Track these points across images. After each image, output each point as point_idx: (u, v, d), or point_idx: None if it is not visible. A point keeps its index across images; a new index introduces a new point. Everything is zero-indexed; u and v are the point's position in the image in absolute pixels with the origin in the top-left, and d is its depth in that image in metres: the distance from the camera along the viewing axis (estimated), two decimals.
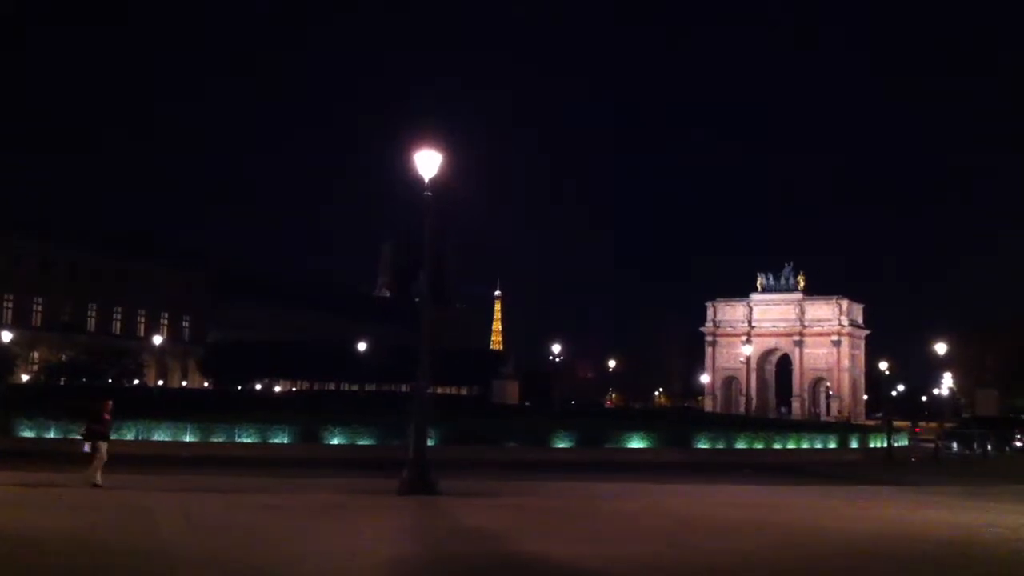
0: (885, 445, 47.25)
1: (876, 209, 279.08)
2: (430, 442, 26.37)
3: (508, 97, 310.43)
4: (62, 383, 78.01)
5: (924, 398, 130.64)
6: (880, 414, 78.20)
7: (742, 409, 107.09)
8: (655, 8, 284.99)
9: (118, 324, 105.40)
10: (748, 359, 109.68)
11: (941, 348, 64.74)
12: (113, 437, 35.07)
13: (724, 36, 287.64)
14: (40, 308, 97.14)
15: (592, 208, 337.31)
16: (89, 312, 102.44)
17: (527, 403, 77.05)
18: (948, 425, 63.91)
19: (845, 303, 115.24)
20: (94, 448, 19.89)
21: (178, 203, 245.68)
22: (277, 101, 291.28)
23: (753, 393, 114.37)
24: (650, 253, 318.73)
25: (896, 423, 69.55)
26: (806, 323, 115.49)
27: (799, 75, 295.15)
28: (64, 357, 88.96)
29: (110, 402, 21.83)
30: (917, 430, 72.17)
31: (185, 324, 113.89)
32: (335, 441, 36.63)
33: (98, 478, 19.52)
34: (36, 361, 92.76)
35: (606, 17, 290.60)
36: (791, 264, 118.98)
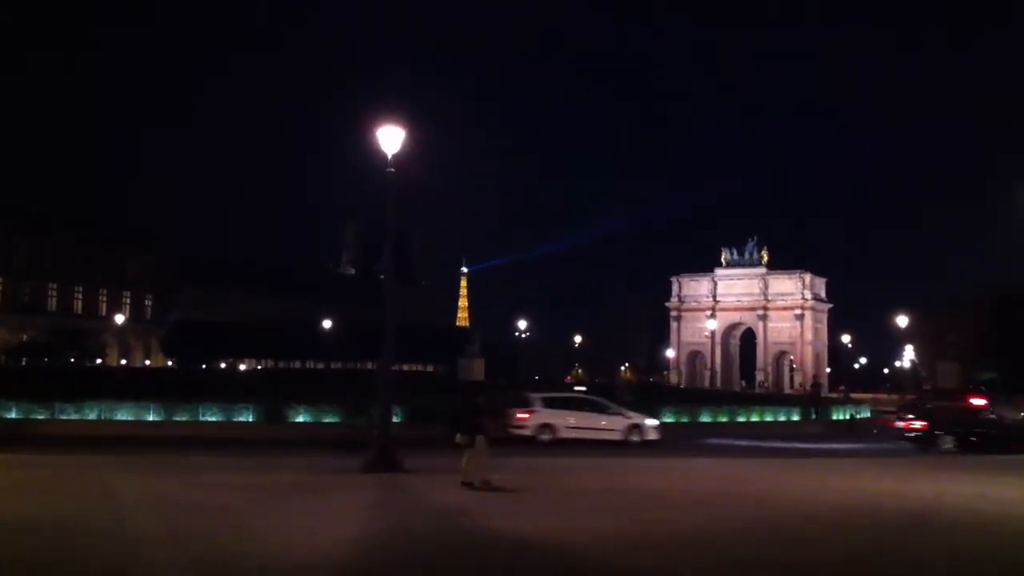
0: (826, 418, 48.49)
1: (840, 185, 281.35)
2: (396, 420, 26.41)
3: (474, 75, 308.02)
4: (23, 364, 77.02)
5: (886, 371, 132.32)
6: (842, 387, 79.39)
7: (707, 383, 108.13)
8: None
9: (79, 304, 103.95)
10: (713, 334, 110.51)
11: (903, 321, 65.65)
12: (74, 417, 35.09)
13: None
14: None
15: (559, 184, 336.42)
16: (50, 292, 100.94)
17: (493, 380, 77.13)
18: (909, 397, 64.81)
19: (808, 277, 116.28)
20: (468, 442, 18.18)
21: (145, 187, 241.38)
22: (246, 88, 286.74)
23: (718, 367, 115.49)
24: (616, 230, 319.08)
25: (857, 395, 70.52)
26: (770, 297, 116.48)
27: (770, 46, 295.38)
28: (24, 338, 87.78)
29: (484, 397, 21.00)
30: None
31: (148, 304, 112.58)
32: (300, 419, 36.49)
33: (482, 472, 17.91)
34: None
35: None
36: (755, 239, 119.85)
